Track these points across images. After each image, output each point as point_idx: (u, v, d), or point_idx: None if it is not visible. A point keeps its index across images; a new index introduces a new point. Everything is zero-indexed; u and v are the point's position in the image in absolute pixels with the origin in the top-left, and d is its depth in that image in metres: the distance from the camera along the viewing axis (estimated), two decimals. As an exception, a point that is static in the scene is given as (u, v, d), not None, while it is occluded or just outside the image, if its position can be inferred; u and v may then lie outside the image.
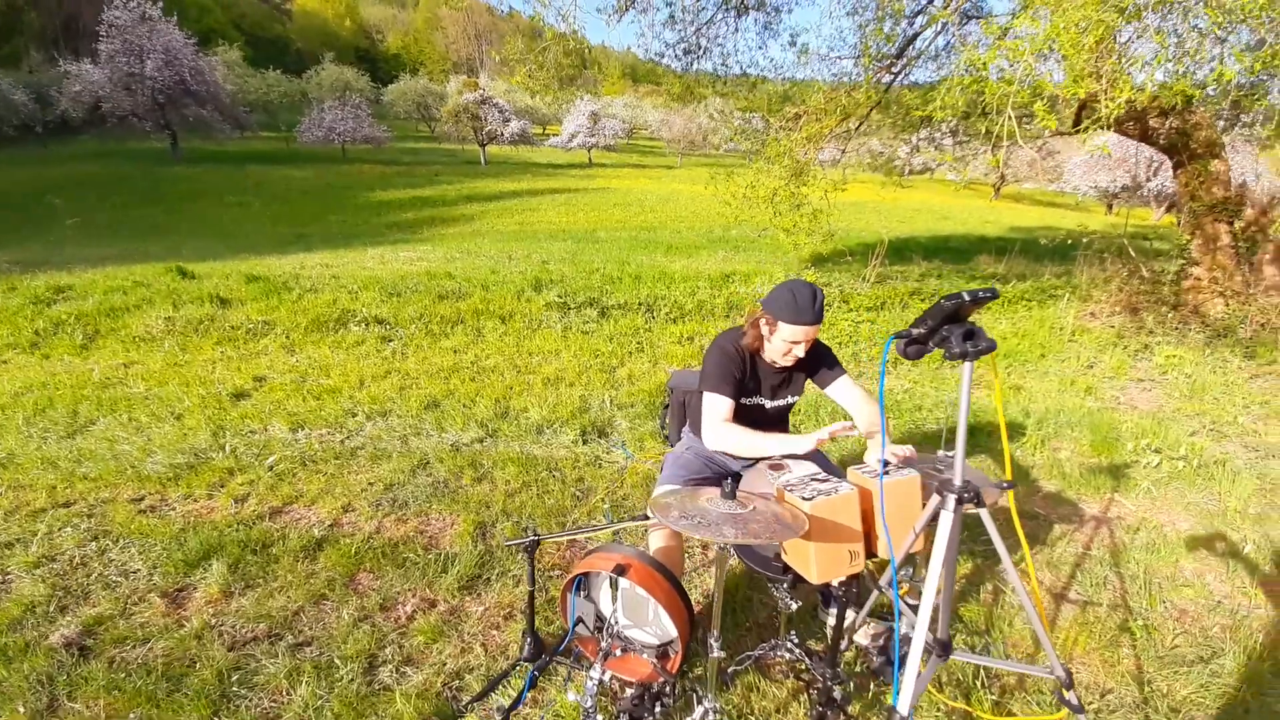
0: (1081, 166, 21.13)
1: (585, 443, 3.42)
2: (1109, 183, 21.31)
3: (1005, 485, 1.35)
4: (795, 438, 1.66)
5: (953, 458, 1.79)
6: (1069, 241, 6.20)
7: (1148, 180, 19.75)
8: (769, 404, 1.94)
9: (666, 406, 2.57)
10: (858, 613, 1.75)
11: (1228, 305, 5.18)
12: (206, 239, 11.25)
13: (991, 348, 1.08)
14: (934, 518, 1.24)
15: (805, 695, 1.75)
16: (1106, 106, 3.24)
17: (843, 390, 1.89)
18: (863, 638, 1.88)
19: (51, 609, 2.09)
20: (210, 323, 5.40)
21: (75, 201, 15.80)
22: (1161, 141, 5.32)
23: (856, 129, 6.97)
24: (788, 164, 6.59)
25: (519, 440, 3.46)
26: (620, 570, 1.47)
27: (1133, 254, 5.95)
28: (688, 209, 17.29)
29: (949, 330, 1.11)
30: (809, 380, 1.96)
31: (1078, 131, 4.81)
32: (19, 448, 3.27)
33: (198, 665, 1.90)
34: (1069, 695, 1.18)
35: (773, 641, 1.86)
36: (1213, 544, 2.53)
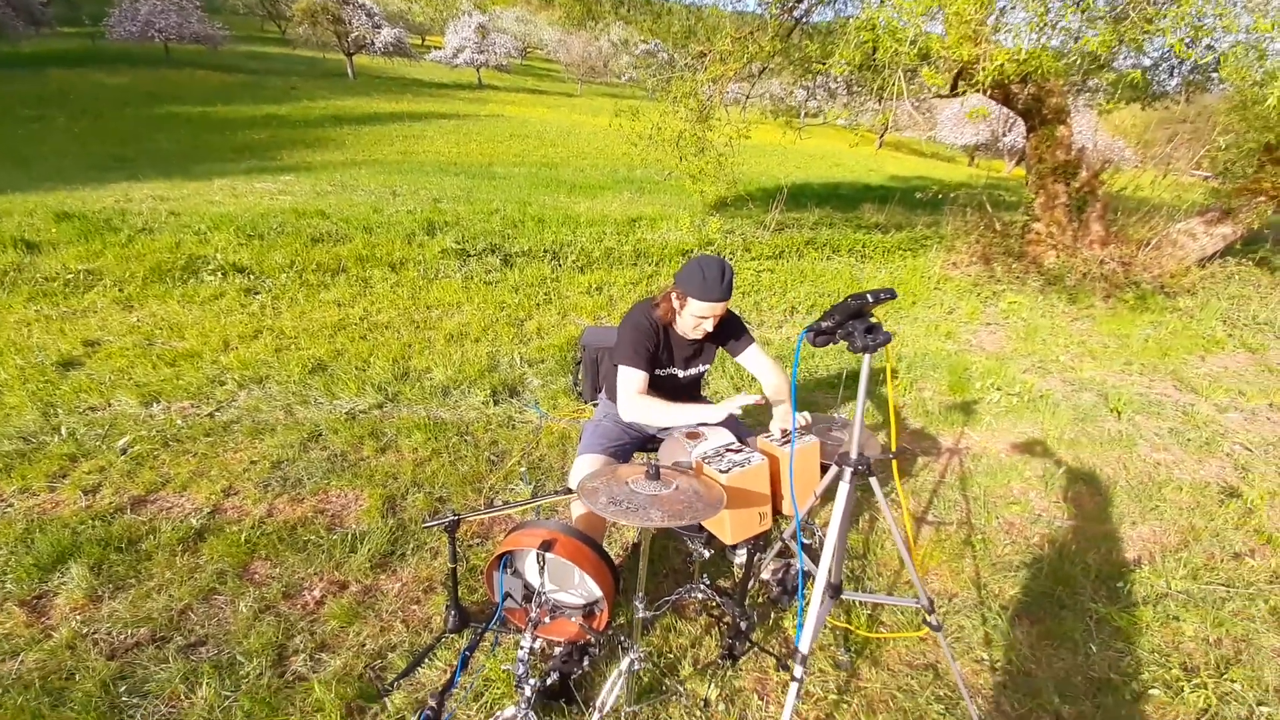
0: (951, 120, 23.17)
1: (496, 403, 3.35)
2: (972, 136, 23.64)
3: (891, 455, 1.55)
4: (708, 408, 1.75)
5: (846, 422, 1.99)
6: (938, 196, 6.81)
7: (1004, 135, 22.11)
8: (682, 374, 2.01)
9: (579, 363, 2.57)
10: (763, 556, 1.95)
11: (1059, 257, 6.06)
12: (-7, 163, 9.01)
13: (888, 340, 1.20)
14: (833, 484, 1.39)
15: (716, 629, 1.95)
16: (984, 69, 3.51)
17: (752, 359, 1.99)
18: (765, 573, 2.11)
19: None
20: (17, 274, 4.43)
21: None
22: (1020, 106, 5.91)
23: (760, 73, 6.99)
24: (693, 105, 6.50)
25: (424, 404, 3.30)
26: (547, 546, 1.51)
27: (989, 209, 6.69)
28: (590, 144, 16.59)
29: (853, 325, 1.21)
30: (720, 349, 2.05)
31: (955, 94, 5.20)
32: None
33: (77, 676, 1.70)
34: (930, 618, 1.44)
35: (688, 586, 2.03)
36: (1035, 466, 3.08)
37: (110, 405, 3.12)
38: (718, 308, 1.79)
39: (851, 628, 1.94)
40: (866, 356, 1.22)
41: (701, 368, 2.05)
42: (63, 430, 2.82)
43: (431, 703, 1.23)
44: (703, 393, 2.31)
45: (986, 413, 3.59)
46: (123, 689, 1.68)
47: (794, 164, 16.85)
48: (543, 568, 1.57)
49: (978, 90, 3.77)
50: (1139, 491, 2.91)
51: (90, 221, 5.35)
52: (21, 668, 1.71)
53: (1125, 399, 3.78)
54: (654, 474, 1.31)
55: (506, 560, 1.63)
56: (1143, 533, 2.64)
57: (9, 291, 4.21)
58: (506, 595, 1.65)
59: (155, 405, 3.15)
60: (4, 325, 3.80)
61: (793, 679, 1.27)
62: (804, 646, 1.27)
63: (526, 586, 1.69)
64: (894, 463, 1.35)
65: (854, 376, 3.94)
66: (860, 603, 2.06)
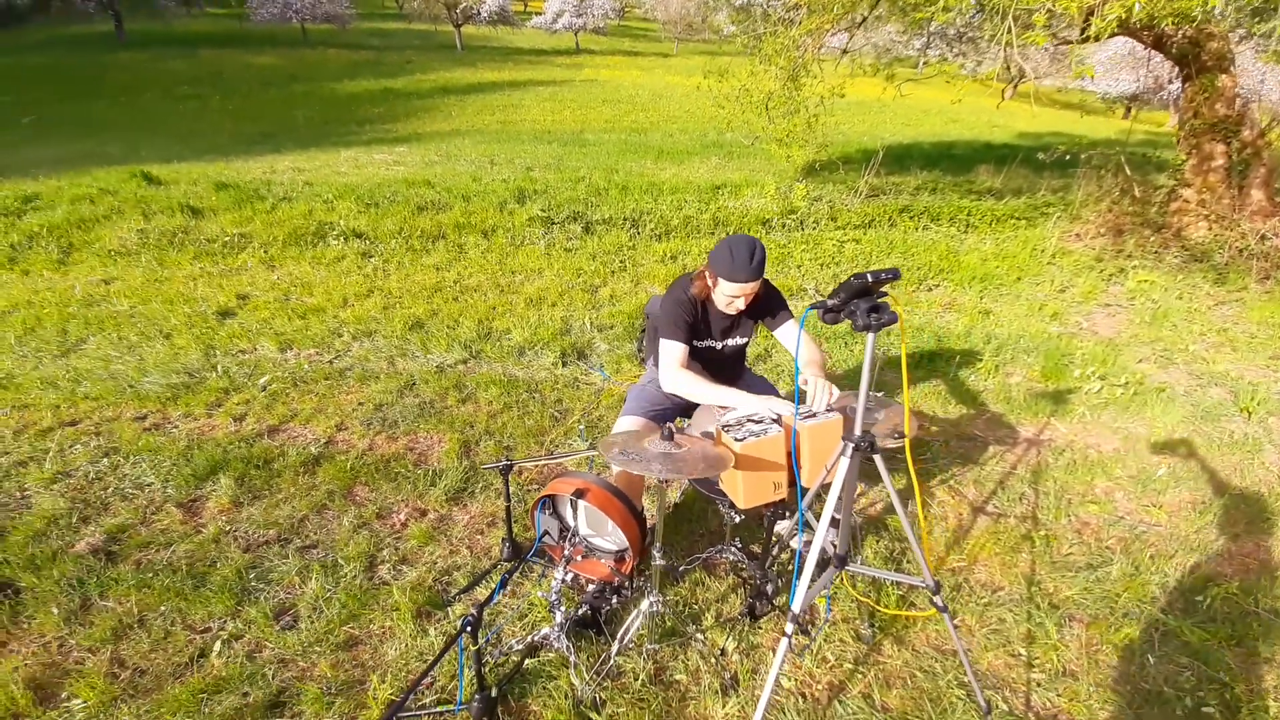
0: (1102, 66, 19.84)
1: (565, 365, 3.59)
2: (1131, 84, 20.12)
3: (899, 436, 1.54)
4: (739, 395, 1.80)
5: (887, 402, 1.97)
6: (1067, 156, 6.04)
7: (1170, 82, 18.66)
8: (719, 345, 2.08)
9: (643, 330, 2.70)
10: (788, 522, 2.01)
11: (1210, 229, 5.22)
12: (164, 137, 10.61)
13: (893, 320, 1.20)
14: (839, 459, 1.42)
15: (742, 589, 2.06)
16: (1103, 18, 3.09)
17: (788, 335, 2.01)
18: (795, 543, 2.17)
19: (73, 520, 2.33)
20: (184, 235, 5.32)
21: (27, 96, 14.63)
22: (1173, 51, 5.06)
23: (860, 24, 6.50)
24: (783, 64, 6.21)
25: (501, 362, 3.62)
26: (579, 494, 1.68)
27: (1128, 171, 5.85)
28: (681, 107, 16.30)
29: (856, 304, 1.22)
30: (759, 323, 2.08)
31: (1086, 40, 4.56)
32: (16, 368, 3.39)
33: (218, 565, 2.17)
34: (936, 599, 1.44)
35: (719, 546, 2.15)
36: (1129, 466, 2.81)
37: (255, 349, 3.73)
38: (748, 287, 1.82)
39: (874, 604, 1.97)
40: (871, 335, 1.22)
41: (740, 340, 2.10)
42: (219, 368, 3.43)
43: (473, 611, 1.46)
44: (747, 363, 2.36)
45: (1081, 404, 3.29)
46: (252, 576, 2.12)
47: (901, 121, 15.51)
48: (576, 512, 1.75)
49: (1108, 34, 3.30)
50: (1252, 503, 2.57)
51: (243, 191, 6.23)
52: (173, 556, 2.19)
53: (1260, 398, 3.28)
54: (668, 436, 1.42)
55: (546, 503, 1.83)
56: (1244, 548, 2.36)
57: (178, 250, 5.08)
58: (544, 534, 1.86)
59: (289, 351, 3.73)
60: (175, 279, 4.61)
61: (784, 634, 1.36)
62: (795, 607, 1.35)
63: (564, 527, 1.89)
64: (906, 445, 1.35)
65: (923, 356, 3.74)
66: (875, 578, 2.06)
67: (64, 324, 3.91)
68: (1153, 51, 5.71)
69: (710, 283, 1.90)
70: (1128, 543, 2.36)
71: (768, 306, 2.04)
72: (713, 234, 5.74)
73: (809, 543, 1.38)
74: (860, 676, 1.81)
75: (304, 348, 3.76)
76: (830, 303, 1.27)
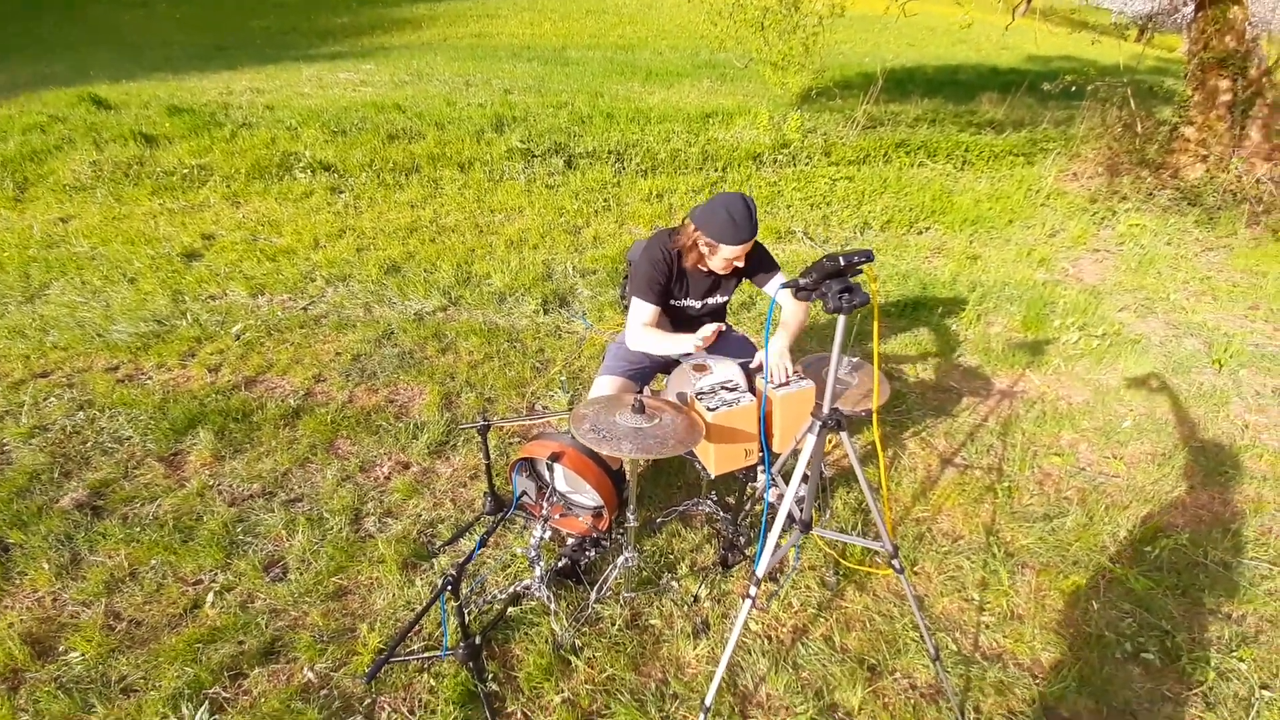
0: None
1: (546, 312, 3.54)
2: (1144, 3, 18.93)
3: (865, 413, 1.56)
4: (686, 337, 1.80)
5: (859, 364, 1.98)
6: (1073, 88, 5.76)
7: (1185, 3, 17.58)
8: (698, 304, 2.05)
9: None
10: (755, 484, 2.07)
11: (1207, 170, 5.10)
12: (112, 51, 9.73)
13: (864, 302, 1.17)
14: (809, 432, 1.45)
15: (715, 540, 2.16)
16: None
17: (776, 290, 1.98)
18: (772, 497, 2.25)
19: (55, 475, 2.34)
20: (140, 167, 5.01)
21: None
22: (1192, -30, 4.72)
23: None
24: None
25: (481, 309, 3.56)
26: (555, 457, 1.71)
27: (1133, 106, 5.61)
28: (672, 20, 15.11)
29: (828, 285, 1.19)
30: (747, 280, 2.04)
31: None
32: (-24, 315, 3.28)
33: (204, 519, 2.21)
34: (894, 562, 1.53)
35: (695, 499, 2.22)
36: (1096, 418, 2.89)
37: (226, 294, 3.63)
38: (750, 246, 1.78)
39: (839, 556, 2.07)
40: (842, 317, 1.21)
41: (720, 299, 2.07)
42: (189, 316, 3.34)
43: (452, 571, 1.52)
44: (729, 317, 2.34)
45: (1057, 355, 3.34)
46: (239, 529, 2.17)
47: (906, 40, 14.56)
48: (552, 472, 1.79)
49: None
50: (1212, 455, 2.69)
51: (199, 116, 5.81)
52: (159, 510, 2.23)
53: (1234, 350, 3.36)
54: (639, 408, 1.43)
55: (523, 464, 1.87)
56: (1199, 499, 2.49)
57: (135, 184, 4.80)
58: (522, 494, 1.91)
59: (261, 297, 3.63)
60: (134, 216, 4.39)
61: (746, 596, 1.44)
62: (759, 571, 1.42)
63: (541, 486, 1.94)
64: (875, 420, 1.37)
65: (908, 303, 3.73)
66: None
67: (26, 267, 3.75)
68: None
69: (707, 251, 1.84)
70: (1085, 493, 2.48)
71: (758, 263, 1.99)
72: (699, 169, 5.51)
73: (775, 507, 1.43)
74: (823, 620, 1.94)
75: (276, 293, 3.65)
76: (802, 281, 1.24)
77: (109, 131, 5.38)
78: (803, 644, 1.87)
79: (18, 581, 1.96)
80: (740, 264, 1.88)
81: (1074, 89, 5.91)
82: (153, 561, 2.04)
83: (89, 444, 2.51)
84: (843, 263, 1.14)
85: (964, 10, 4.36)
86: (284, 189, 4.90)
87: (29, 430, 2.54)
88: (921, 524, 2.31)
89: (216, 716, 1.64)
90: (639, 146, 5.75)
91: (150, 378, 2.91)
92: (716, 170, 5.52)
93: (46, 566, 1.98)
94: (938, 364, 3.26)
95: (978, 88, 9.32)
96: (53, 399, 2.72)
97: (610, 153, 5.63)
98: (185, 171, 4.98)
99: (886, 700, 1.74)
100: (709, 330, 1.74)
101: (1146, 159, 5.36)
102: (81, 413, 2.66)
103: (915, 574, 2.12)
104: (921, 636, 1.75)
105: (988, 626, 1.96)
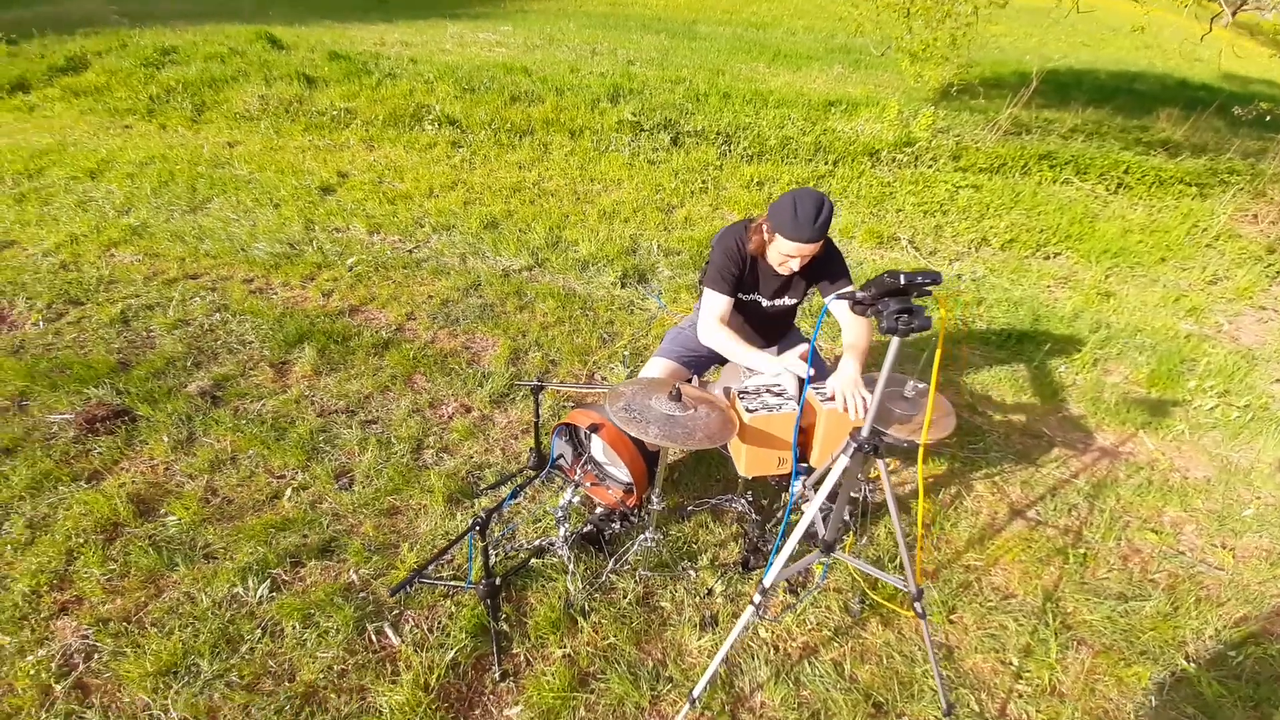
0: None
1: (624, 286, 3.59)
2: None
3: (912, 444, 1.45)
4: (765, 360, 1.74)
5: (918, 389, 1.85)
6: (1268, 117, 4.84)
7: None
8: (766, 303, 1.99)
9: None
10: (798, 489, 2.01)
11: None
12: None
13: (925, 327, 1.08)
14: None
15: (742, 539, 2.14)
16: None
17: (840, 306, 1.89)
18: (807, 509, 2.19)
19: (188, 364, 2.75)
20: (299, 105, 5.60)
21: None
22: None
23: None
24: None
25: (564, 274, 3.68)
26: (594, 428, 1.77)
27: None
28: (812, 0, 14.36)
29: (885, 304, 1.11)
30: (814, 286, 1.96)
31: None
32: (151, 218, 3.87)
33: (296, 423, 2.51)
34: (916, 605, 1.43)
35: (730, 495, 2.21)
36: (1213, 499, 2.50)
37: (349, 229, 4.02)
38: (806, 249, 1.70)
39: (867, 587, 1.98)
40: (895, 340, 1.12)
41: (789, 301, 2.00)
42: (315, 244, 3.74)
43: (483, 514, 1.63)
44: (796, 320, 2.26)
45: (1184, 420, 2.91)
46: (322, 439, 2.44)
47: (1080, 39, 12.84)
48: (590, 443, 1.85)
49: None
50: (1351, 567, 2.25)
51: (353, 63, 6.37)
52: (263, 409, 2.56)
53: None
54: (676, 396, 1.43)
55: (564, 429, 1.94)
56: (1321, 615, 2.10)
57: (293, 120, 5.38)
58: (559, 457, 1.99)
59: (376, 235, 3.98)
60: (287, 149, 4.93)
61: (750, 603, 1.42)
62: (766, 581, 1.39)
63: (579, 453, 2.01)
64: (920, 452, 1.28)
65: (1012, 334, 3.38)
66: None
67: (193, 182, 4.36)
68: None
69: (766, 237, 1.79)
70: (1177, 580, 2.18)
71: (826, 270, 1.90)
72: (809, 160, 5.27)
73: (794, 522, 1.40)
74: (837, 645, 1.88)
75: (390, 234, 3.99)
76: (860, 295, 1.17)
77: (278, 69, 6.05)
78: (810, 663, 1.82)
79: (138, 449, 2.34)
80: (795, 266, 1.79)
81: (1268, 118, 4.96)
82: (250, 452, 2.35)
83: (219, 342, 2.91)
84: (903, 281, 1.06)
85: (1143, 9, 3.76)
86: (412, 138, 5.29)
87: (174, 322, 2.99)
88: (971, 572, 2.14)
89: (274, 593, 1.89)
90: (749, 130, 5.59)
91: (276, 293, 3.31)
92: (827, 164, 5.25)
93: (166, 440, 2.35)
94: (1034, 406, 2.96)
95: (1158, 101, 8.07)
96: (197, 299, 3.18)
97: (719, 134, 5.53)
98: (334, 113, 5.51)
99: (887, 741, 1.67)
100: (800, 366, 1.67)
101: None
102: (218, 314, 3.09)
103: (950, 623, 1.98)
104: (937, 687, 1.65)
105: (1020, 695, 1.80)
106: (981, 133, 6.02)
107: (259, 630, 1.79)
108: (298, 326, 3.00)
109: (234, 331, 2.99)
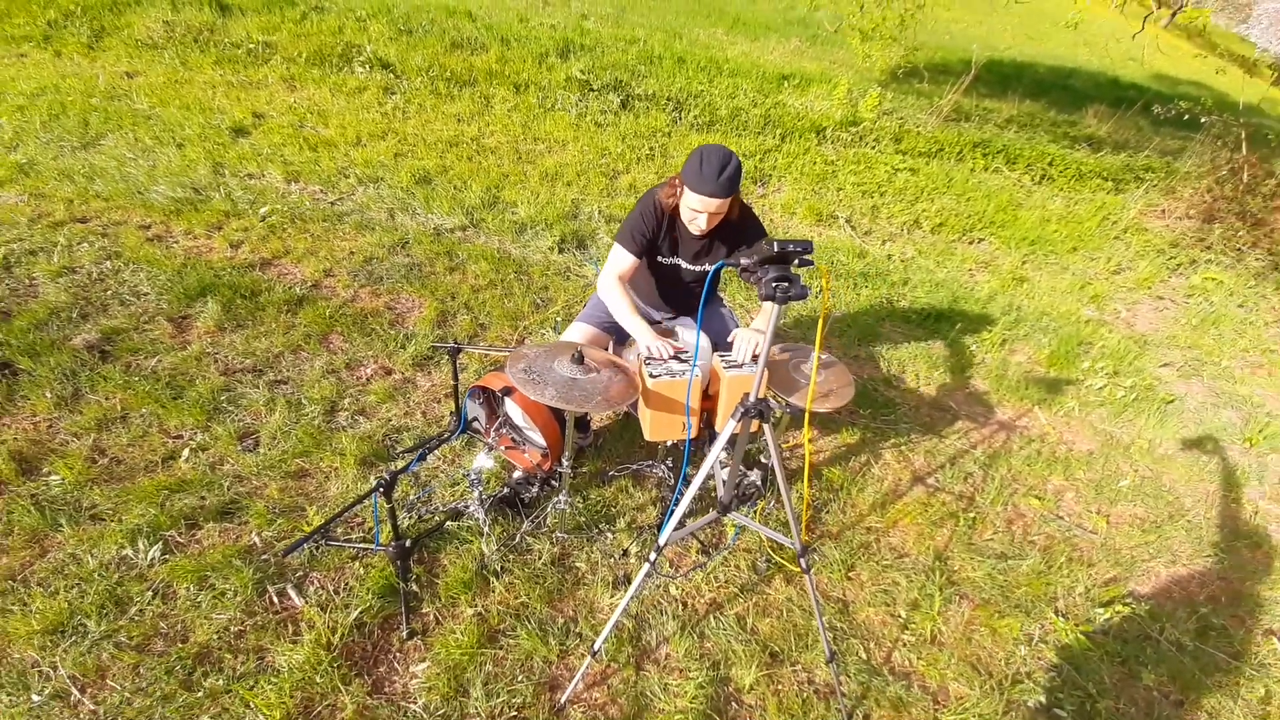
0: (1269, 17, 16.09)
1: (561, 251, 3.52)
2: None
3: (790, 411, 1.51)
4: (643, 329, 1.75)
5: (826, 360, 1.91)
6: (1185, 116, 5.17)
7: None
8: (687, 266, 1.99)
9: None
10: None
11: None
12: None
13: (802, 296, 1.11)
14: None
15: (660, 504, 2.19)
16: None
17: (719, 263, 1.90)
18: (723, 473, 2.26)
19: (74, 315, 2.52)
20: (209, 34, 5.09)
21: None
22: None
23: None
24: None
25: (499, 235, 3.57)
26: (506, 392, 1.74)
27: (1244, 150, 5.03)
28: (776, -34, 14.09)
29: (764, 270, 1.13)
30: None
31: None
32: (38, 154, 3.48)
33: (196, 381, 2.36)
34: (801, 560, 1.52)
35: (651, 461, 2.25)
36: (1094, 470, 2.74)
37: (263, 175, 3.73)
38: (711, 204, 1.68)
39: (771, 550, 2.08)
40: (776, 306, 1.15)
41: (709, 266, 2.01)
42: (223, 190, 3.46)
43: (386, 475, 1.60)
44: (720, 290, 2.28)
45: (1075, 398, 3.16)
46: (224, 398, 2.31)
47: (1026, 32, 13.24)
48: (504, 406, 1.83)
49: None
50: (1206, 534, 2.54)
51: (275, -8, 5.81)
52: (158, 365, 2.39)
53: (1271, 431, 3.11)
54: (578, 359, 1.43)
55: (478, 392, 1.91)
56: (1176, 575, 2.37)
57: (202, 51, 4.89)
58: (473, 419, 1.97)
59: (294, 184, 3.72)
60: (195, 83, 4.49)
61: (646, 559, 1.47)
62: (660, 539, 1.44)
63: (498, 415, 1.99)
64: (806, 417, 1.33)
65: (931, 314, 3.55)
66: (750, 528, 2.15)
67: (86, 115, 3.92)
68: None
69: (679, 192, 1.77)
70: (1053, 542, 2.39)
71: (745, 238, 1.91)
72: (757, 134, 5.26)
73: (689, 482, 1.44)
74: (741, 601, 1.98)
75: (310, 183, 3.74)
76: (743, 261, 1.19)
77: (188, -7, 5.45)
78: (715, 617, 1.91)
79: (19, 404, 2.15)
80: (703, 224, 1.77)
81: (1186, 118, 5.32)
82: (143, 410, 2.20)
83: (109, 292, 2.68)
84: (776, 249, 1.08)
85: (1076, 4, 3.91)
86: (339, 81, 4.92)
87: (59, 269, 2.72)
88: (871, 533, 2.28)
89: (166, 556, 1.80)
90: (701, 99, 5.51)
91: (176, 241, 3.06)
92: (774, 137, 5.26)
93: (49, 395, 2.16)
94: (943, 382, 3.13)
95: (1089, 98, 8.48)
96: (85, 244, 2.90)
97: (670, 99, 5.42)
98: (251, 46, 5.04)
99: (779, 687, 1.78)
100: (661, 348, 1.68)
101: (1246, 210, 4.85)
102: (109, 262, 2.83)
103: (848, 579, 2.11)
104: (819, 635, 1.76)
105: (905, 644, 1.96)
106: (924, 117, 6.17)
107: (149, 592, 1.72)
108: (200, 279, 2.79)
109: (127, 282, 2.75)
